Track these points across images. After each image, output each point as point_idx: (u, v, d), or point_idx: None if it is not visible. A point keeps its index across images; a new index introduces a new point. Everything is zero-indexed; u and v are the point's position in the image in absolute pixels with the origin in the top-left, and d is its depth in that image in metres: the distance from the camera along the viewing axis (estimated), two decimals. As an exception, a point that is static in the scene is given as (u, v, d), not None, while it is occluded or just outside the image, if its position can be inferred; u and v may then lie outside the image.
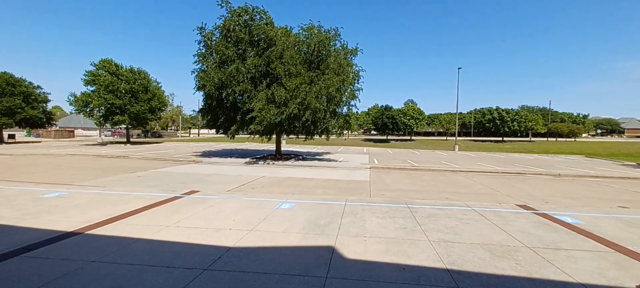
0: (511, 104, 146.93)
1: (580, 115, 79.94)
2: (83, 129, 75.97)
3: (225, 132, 20.50)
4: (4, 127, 35.47)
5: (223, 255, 4.52)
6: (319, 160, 21.09)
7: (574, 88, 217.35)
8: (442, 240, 5.33)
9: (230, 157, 21.88)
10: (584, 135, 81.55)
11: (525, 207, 8.04)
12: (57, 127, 66.64)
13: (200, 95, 28.55)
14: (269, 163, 18.48)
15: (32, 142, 43.80)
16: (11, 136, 44.57)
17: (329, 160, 21.36)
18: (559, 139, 68.28)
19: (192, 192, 9.16)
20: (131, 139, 43.66)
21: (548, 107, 79.40)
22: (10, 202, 7.45)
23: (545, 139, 70.81)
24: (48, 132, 58.80)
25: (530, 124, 62.38)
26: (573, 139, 68.11)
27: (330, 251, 4.76)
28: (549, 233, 5.79)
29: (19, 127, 38.69)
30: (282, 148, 23.52)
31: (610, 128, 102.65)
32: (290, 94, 16.63)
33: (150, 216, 6.44)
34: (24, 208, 6.90)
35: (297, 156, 22.96)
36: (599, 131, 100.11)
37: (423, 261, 4.45)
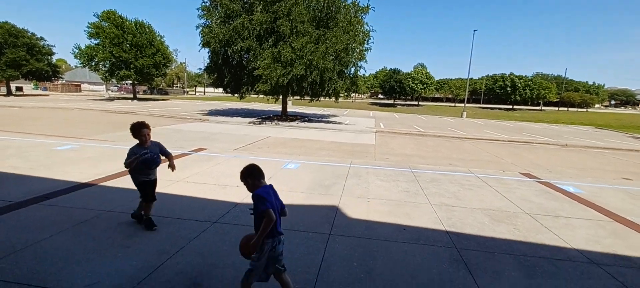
0: (526, 71, 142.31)
1: (595, 85, 77.38)
2: (89, 83, 75.89)
3: (232, 91, 20.39)
4: (10, 79, 35.56)
5: (231, 210, 4.70)
6: (325, 122, 21.07)
7: (593, 57, 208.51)
8: (444, 204, 5.46)
9: (236, 116, 21.95)
10: (596, 105, 79.49)
11: (529, 175, 8.09)
12: (64, 81, 66.78)
13: (205, 53, 28.06)
14: (274, 124, 18.55)
15: (40, 95, 44.14)
16: (19, 89, 44.91)
17: (335, 122, 21.33)
18: (570, 109, 66.79)
19: (200, 149, 9.33)
20: (137, 96, 43.72)
21: (563, 76, 76.69)
22: (24, 153, 7.68)
23: (557, 108, 69.29)
24: (55, 85, 59.04)
25: (543, 91, 60.58)
26: (585, 110, 66.58)
27: (334, 210, 4.92)
28: (550, 202, 5.88)
29: (26, 80, 38.82)
30: (288, 110, 23.44)
31: (625, 99, 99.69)
32: (297, 53, 16.21)
33: (161, 170, 6.62)
34: (37, 160, 7.13)
35: (303, 118, 22.94)
36: (612, 102, 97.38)
37: (424, 223, 4.60)
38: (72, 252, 3.32)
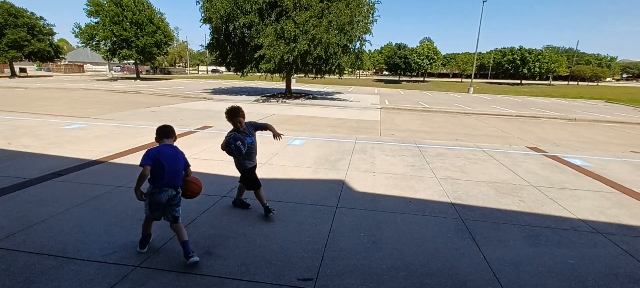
0: (535, 44, 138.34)
1: (608, 57, 75.11)
2: (92, 63, 75.64)
3: (235, 70, 20.17)
4: (13, 60, 35.51)
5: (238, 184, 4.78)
6: (330, 99, 20.94)
7: (606, 27, 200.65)
8: (449, 177, 5.50)
9: (241, 94, 21.87)
10: (607, 79, 77.57)
11: (535, 149, 8.05)
12: (66, 62, 66.53)
13: (207, 30, 27.62)
14: (279, 102, 18.48)
15: (44, 76, 44.20)
16: (23, 70, 44.92)
17: (340, 99, 21.18)
18: (580, 83, 65.37)
19: (206, 127, 9.38)
20: (141, 75, 43.57)
21: (575, 48, 74.33)
22: (34, 132, 7.80)
23: (566, 82, 67.84)
24: (58, 66, 58.99)
25: (553, 65, 59.00)
26: (595, 83, 65.12)
27: (341, 184, 4.99)
28: (556, 174, 5.88)
29: (29, 61, 38.73)
30: (292, 87, 23.25)
31: (638, 72, 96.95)
32: (300, 28, 15.86)
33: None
34: (47, 138, 7.25)
35: (307, 95, 22.80)
36: (624, 75, 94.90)
37: (429, 196, 4.65)
38: (89, 224, 3.44)
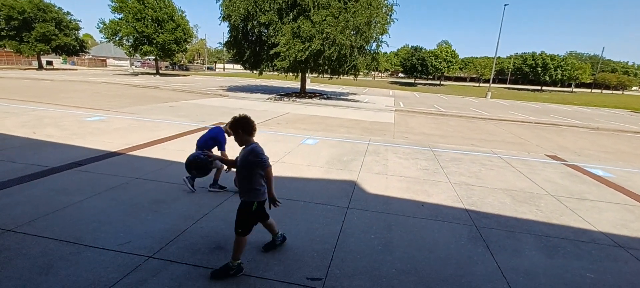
0: (558, 50, 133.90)
1: (635, 65, 71.97)
2: (114, 58, 77.94)
3: (251, 67, 20.38)
4: (41, 53, 37.00)
5: (251, 181, 4.83)
6: (344, 100, 20.88)
7: (633, 34, 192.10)
8: (464, 183, 5.38)
9: (256, 92, 22.09)
10: (634, 88, 74.27)
11: (555, 157, 7.79)
12: (90, 56, 68.88)
13: (225, 28, 27.98)
14: (293, 101, 18.56)
15: (69, 69, 45.87)
16: (49, 63, 46.77)
17: (354, 100, 21.10)
18: (604, 91, 62.86)
19: (221, 124, 9.50)
20: (160, 71, 44.62)
21: (600, 55, 71.55)
22: (58, 123, 8.10)
23: (589, 90, 65.39)
24: (82, 60, 61.13)
25: (576, 72, 56.93)
26: (621, 92, 62.48)
27: (353, 185, 4.96)
28: (576, 184, 5.68)
29: (56, 54, 40.27)
30: (307, 87, 23.31)
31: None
32: (316, 28, 15.87)
33: (184, 142, 6.86)
34: (70, 129, 7.52)
35: (321, 95, 22.81)
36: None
37: (443, 200, 4.57)
38: (106, 213, 3.55)
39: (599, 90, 63.77)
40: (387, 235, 3.47)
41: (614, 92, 63.04)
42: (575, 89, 66.32)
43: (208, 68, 76.27)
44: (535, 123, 15.62)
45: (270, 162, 2.74)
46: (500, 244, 3.41)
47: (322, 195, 4.47)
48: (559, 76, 56.34)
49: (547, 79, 57.09)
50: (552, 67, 56.23)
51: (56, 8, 36.87)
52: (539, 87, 61.99)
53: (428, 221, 3.89)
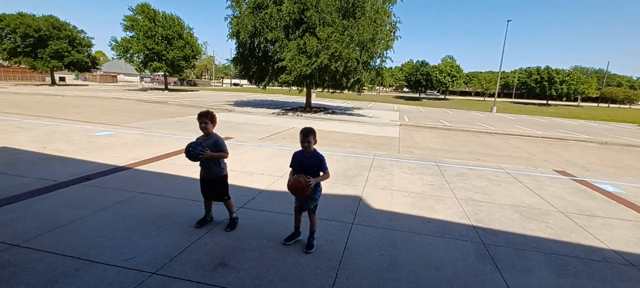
0: (563, 65, 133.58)
1: (642, 80, 71.39)
2: (125, 74, 79.79)
3: (257, 82, 20.70)
4: (54, 69, 38.06)
5: (256, 196, 4.83)
6: (349, 114, 20.97)
7: (638, 48, 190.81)
8: (471, 198, 5.31)
9: (261, 107, 22.33)
10: (641, 102, 73.40)
11: (563, 173, 7.67)
12: (102, 72, 70.69)
13: (233, 45, 28.63)
14: (298, 115, 18.70)
15: (81, 85, 47.01)
16: (62, 79, 48.08)
17: (359, 115, 21.17)
18: (611, 105, 62.19)
19: (227, 138, 9.59)
20: (169, 86, 45.50)
21: (605, 69, 71.17)
22: (68, 137, 8.25)
23: (596, 104, 64.78)
24: (94, 76, 62.72)
25: (582, 86, 56.62)
26: (628, 106, 61.76)
27: (357, 200, 4.93)
28: (586, 201, 5.56)
29: (68, 70, 41.41)
30: (312, 102, 23.50)
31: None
32: (322, 44, 16.15)
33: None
34: (79, 143, 7.64)
35: (326, 109, 22.95)
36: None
37: (449, 216, 4.50)
38: (111, 228, 3.56)
39: (606, 104, 63.11)
40: (392, 252, 3.42)
41: (621, 106, 62.34)
42: (581, 103, 65.79)
43: (214, 83, 77.59)
44: (542, 137, 15.47)
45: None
46: (509, 263, 3.33)
47: (326, 210, 4.44)
48: (565, 90, 56.08)
49: (553, 93, 56.88)
50: (557, 81, 56.08)
51: (71, 26, 38.15)
52: (544, 101, 61.64)
53: (434, 238, 3.83)
